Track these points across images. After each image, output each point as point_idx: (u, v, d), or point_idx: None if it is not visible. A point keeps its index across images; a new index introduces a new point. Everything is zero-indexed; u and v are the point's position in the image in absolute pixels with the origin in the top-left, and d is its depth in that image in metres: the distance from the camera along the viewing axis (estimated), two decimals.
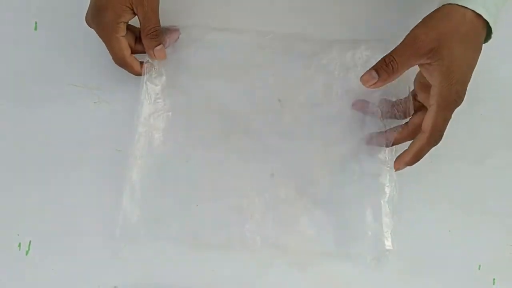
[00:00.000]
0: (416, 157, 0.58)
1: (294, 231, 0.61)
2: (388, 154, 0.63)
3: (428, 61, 0.55)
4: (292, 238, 0.61)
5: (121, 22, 0.60)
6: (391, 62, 0.55)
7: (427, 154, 0.62)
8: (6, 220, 0.62)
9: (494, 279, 0.61)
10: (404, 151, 0.59)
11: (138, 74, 0.64)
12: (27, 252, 0.61)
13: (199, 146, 0.64)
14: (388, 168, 0.63)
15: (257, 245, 0.61)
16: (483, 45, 0.57)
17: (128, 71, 0.64)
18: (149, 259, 0.61)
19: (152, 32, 0.62)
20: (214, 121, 0.65)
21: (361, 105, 0.64)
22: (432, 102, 0.56)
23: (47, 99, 0.66)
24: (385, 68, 0.55)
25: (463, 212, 0.63)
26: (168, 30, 0.65)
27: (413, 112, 0.62)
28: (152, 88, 0.65)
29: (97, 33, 0.61)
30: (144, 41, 0.62)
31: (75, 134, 0.65)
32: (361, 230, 0.61)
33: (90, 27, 0.62)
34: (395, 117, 0.63)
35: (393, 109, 0.63)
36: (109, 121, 0.65)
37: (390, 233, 0.61)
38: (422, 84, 0.60)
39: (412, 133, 0.61)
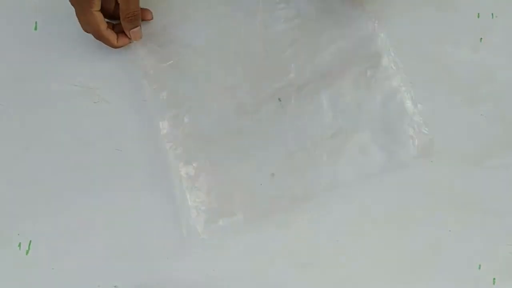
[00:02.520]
0: None
1: (296, 232, 0.61)
2: (394, 148, 0.64)
3: None
4: (294, 239, 0.61)
5: None
6: None
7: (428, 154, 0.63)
8: (6, 220, 0.62)
9: (494, 279, 0.61)
10: None
11: (115, 47, 0.64)
12: (27, 252, 0.61)
13: (199, 147, 0.64)
14: (393, 165, 0.63)
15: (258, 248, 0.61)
16: (483, 45, 0.56)
17: (105, 44, 0.64)
18: (149, 259, 0.61)
19: (130, 17, 0.62)
20: (214, 121, 0.65)
21: None
22: None
23: (47, 99, 0.66)
24: None
25: (463, 212, 0.63)
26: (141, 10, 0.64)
27: None
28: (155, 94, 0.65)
29: (72, 4, 0.61)
30: (123, 22, 0.63)
31: (75, 134, 0.65)
32: None
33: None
34: None
35: None
36: (109, 121, 0.65)
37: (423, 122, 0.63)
38: None
39: None
